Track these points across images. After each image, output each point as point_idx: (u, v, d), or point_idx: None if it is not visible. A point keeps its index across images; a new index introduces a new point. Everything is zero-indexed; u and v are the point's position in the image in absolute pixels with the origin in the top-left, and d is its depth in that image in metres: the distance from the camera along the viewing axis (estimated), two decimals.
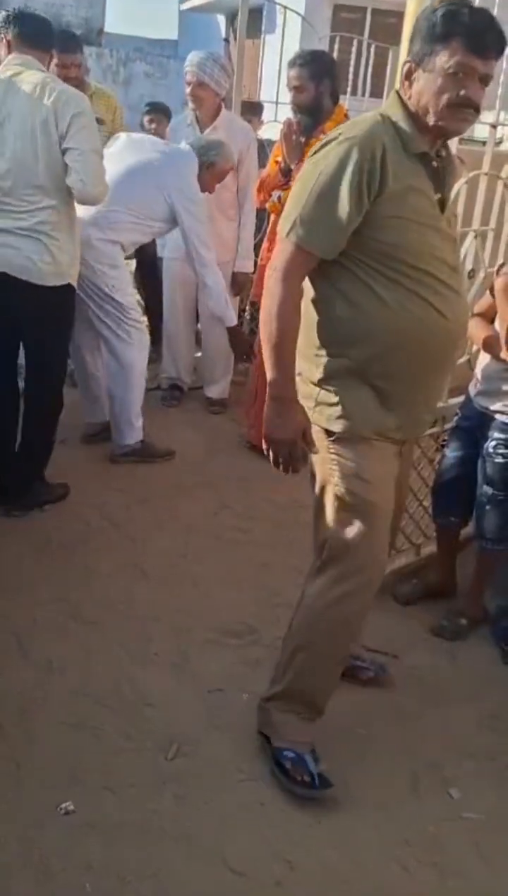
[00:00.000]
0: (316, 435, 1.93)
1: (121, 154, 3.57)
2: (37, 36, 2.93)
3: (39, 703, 2.25)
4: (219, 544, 3.16)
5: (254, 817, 1.96)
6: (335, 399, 1.88)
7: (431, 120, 1.75)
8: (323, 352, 1.88)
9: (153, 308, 4.94)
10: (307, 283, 1.87)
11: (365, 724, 2.29)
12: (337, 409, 1.88)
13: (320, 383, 1.90)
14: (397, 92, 1.82)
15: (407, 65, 1.77)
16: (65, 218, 2.97)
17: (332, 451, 1.92)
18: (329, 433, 1.91)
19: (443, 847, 1.94)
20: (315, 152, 1.81)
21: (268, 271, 1.85)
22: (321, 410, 1.90)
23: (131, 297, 3.64)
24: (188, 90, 3.93)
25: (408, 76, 1.77)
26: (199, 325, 4.56)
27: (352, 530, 1.93)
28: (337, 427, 1.89)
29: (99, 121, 4.19)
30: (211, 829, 1.92)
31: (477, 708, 2.41)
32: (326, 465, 1.94)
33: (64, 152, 2.85)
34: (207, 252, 3.64)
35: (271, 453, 1.92)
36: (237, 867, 1.84)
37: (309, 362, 1.91)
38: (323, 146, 1.79)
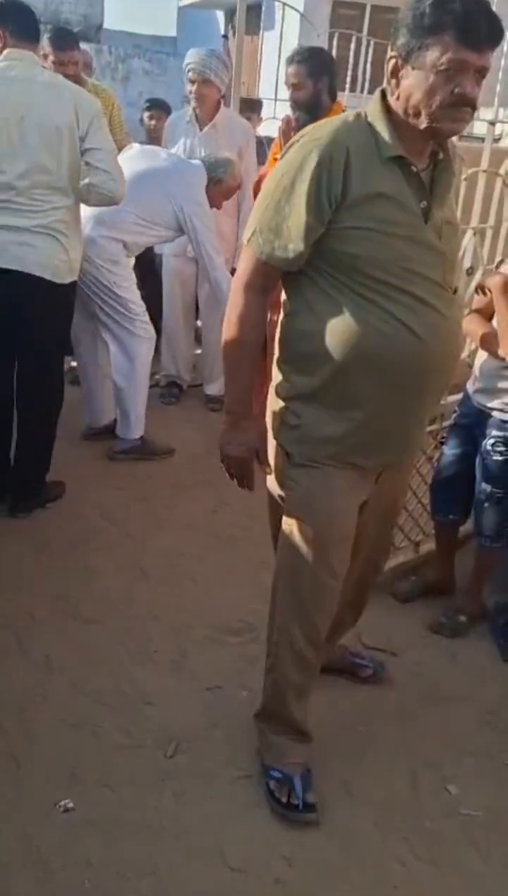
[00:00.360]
0: (278, 452, 1.86)
1: (134, 160, 3.60)
2: (28, 29, 2.91)
3: (39, 701, 2.26)
4: (218, 543, 3.16)
5: (253, 815, 1.97)
6: (296, 421, 1.78)
7: (423, 122, 1.58)
8: (291, 367, 1.79)
9: (152, 305, 4.93)
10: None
11: (364, 721, 2.29)
12: (296, 432, 1.79)
13: (286, 400, 1.80)
14: (382, 90, 1.66)
15: (393, 60, 1.59)
16: (75, 217, 3.03)
17: (289, 474, 1.84)
18: (288, 454, 1.83)
19: (442, 844, 1.95)
20: (283, 155, 1.69)
21: (231, 283, 1.79)
22: (283, 430, 1.82)
23: (134, 294, 3.65)
24: (193, 88, 3.92)
25: (395, 73, 1.59)
26: (199, 322, 4.56)
27: (299, 558, 1.87)
28: (295, 450, 1.81)
29: None
30: (210, 826, 1.93)
31: (476, 705, 2.42)
32: (283, 485, 1.87)
33: (83, 153, 2.86)
34: (218, 258, 3.69)
35: (225, 468, 1.89)
36: (236, 864, 1.84)
37: (279, 376, 1.82)
38: (288, 148, 1.67)
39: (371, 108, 1.64)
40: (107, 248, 3.48)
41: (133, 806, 1.96)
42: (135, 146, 3.83)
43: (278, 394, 1.83)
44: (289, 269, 1.69)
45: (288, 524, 1.88)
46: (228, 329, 1.77)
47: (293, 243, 1.64)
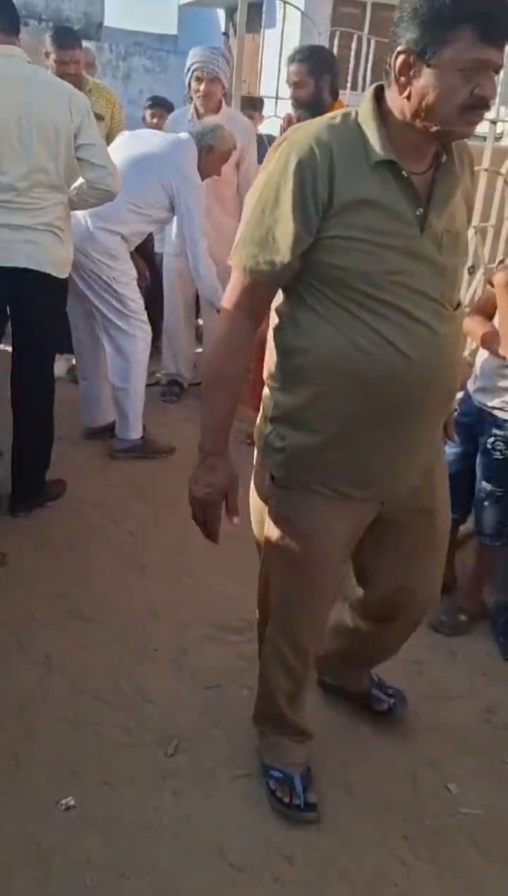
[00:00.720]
0: (261, 471, 1.79)
1: (124, 147, 3.58)
2: (11, 24, 2.88)
3: (39, 699, 2.26)
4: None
5: (253, 813, 1.97)
6: (280, 443, 1.67)
7: (436, 124, 1.43)
8: (276, 385, 1.68)
9: (152, 304, 4.93)
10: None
11: (364, 719, 2.29)
12: (281, 455, 1.68)
13: (271, 421, 1.70)
14: (376, 88, 1.52)
15: (402, 56, 1.41)
16: (68, 212, 3.03)
17: (271, 493, 1.76)
18: (272, 477, 1.74)
19: (442, 842, 1.95)
20: (266, 163, 1.60)
21: (222, 304, 1.66)
22: (267, 451, 1.72)
23: (133, 291, 3.63)
24: (200, 86, 3.90)
25: (404, 70, 1.42)
26: (200, 321, 4.55)
27: (278, 581, 1.83)
28: (279, 473, 1.71)
29: (98, 116, 4.19)
30: (210, 824, 1.93)
31: (477, 704, 2.42)
32: (266, 502, 1.80)
33: (77, 149, 2.86)
34: (201, 239, 3.62)
35: (191, 511, 1.73)
36: (236, 862, 1.84)
37: (266, 392, 1.73)
38: (270, 155, 1.57)
39: (362, 108, 1.51)
40: (105, 242, 3.46)
41: (133, 804, 1.96)
42: (126, 133, 3.79)
43: (264, 411, 1.73)
44: (277, 284, 1.58)
45: (271, 537, 1.80)
46: (210, 356, 1.67)
47: (279, 255, 1.51)
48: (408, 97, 1.44)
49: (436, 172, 1.54)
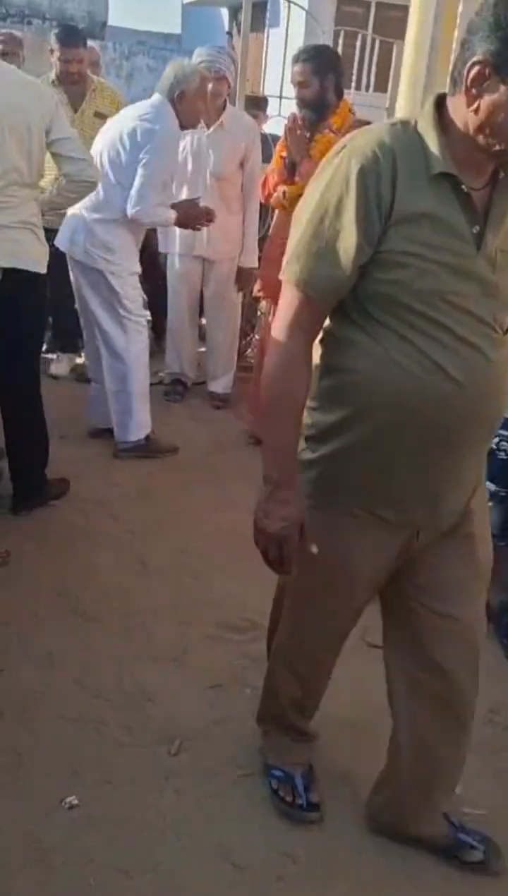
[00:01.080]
0: None
1: (106, 131, 3.54)
2: None
3: (40, 697, 2.26)
4: (220, 540, 3.16)
5: (256, 812, 1.97)
6: (310, 455, 1.60)
7: (500, 143, 1.36)
8: (315, 404, 1.59)
9: (156, 303, 4.94)
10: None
11: (367, 718, 2.29)
12: (312, 472, 1.61)
13: (305, 440, 1.62)
14: (438, 97, 1.45)
15: (478, 67, 1.32)
16: (39, 209, 2.99)
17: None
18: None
19: None
20: (320, 171, 1.49)
21: (273, 323, 1.56)
22: (300, 471, 1.62)
23: (133, 289, 3.58)
24: (209, 86, 3.90)
25: (477, 82, 1.33)
26: (203, 320, 4.56)
27: (298, 596, 1.79)
28: (309, 490, 1.62)
29: (102, 115, 4.19)
30: (213, 823, 1.93)
31: (480, 703, 2.38)
32: None
33: (50, 144, 2.83)
34: (150, 191, 3.37)
35: (260, 547, 1.61)
36: (239, 861, 1.84)
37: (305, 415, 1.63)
38: (326, 164, 1.47)
39: (423, 117, 1.44)
40: (102, 235, 3.43)
41: (135, 803, 1.96)
42: (109, 121, 3.72)
43: (301, 434, 1.64)
44: (335, 300, 1.49)
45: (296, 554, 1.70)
46: (268, 379, 1.54)
47: (340, 268, 1.43)
48: (476, 110, 1.35)
49: (494, 189, 1.46)
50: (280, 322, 1.52)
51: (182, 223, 3.65)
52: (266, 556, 1.61)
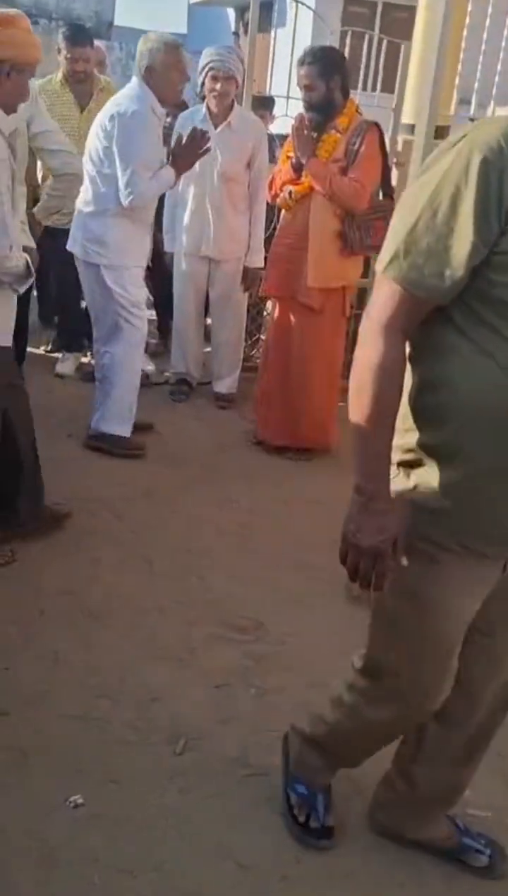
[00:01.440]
0: None
1: (93, 125, 3.49)
2: None
3: (45, 696, 2.26)
4: (224, 539, 3.16)
5: (260, 812, 1.97)
6: (407, 483, 1.46)
7: None
8: (408, 423, 1.46)
9: (162, 303, 4.94)
10: None
11: None
12: (408, 497, 1.47)
13: (399, 466, 1.48)
14: None
15: None
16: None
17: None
18: None
19: None
20: (433, 160, 1.35)
21: (364, 321, 1.43)
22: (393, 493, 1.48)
23: (130, 285, 3.53)
24: (216, 85, 3.89)
25: None
26: (208, 320, 4.56)
27: (395, 653, 1.61)
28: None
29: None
30: (217, 823, 1.93)
31: None
32: None
33: (32, 138, 2.80)
34: (137, 178, 3.29)
35: (349, 562, 1.47)
36: (243, 861, 1.84)
37: (399, 429, 1.48)
38: (439, 153, 1.35)
39: None
40: (94, 229, 3.42)
41: (139, 802, 1.96)
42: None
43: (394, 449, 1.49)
44: (442, 302, 1.35)
45: (383, 616, 1.61)
46: (360, 381, 1.40)
47: (451, 268, 1.30)
48: None
49: None
50: (375, 321, 1.38)
51: (184, 166, 3.49)
52: (354, 572, 1.47)
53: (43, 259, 3.08)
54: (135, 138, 3.32)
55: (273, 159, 4.18)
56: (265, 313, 4.73)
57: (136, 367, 3.69)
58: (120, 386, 3.64)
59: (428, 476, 1.44)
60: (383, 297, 1.37)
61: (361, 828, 1.95)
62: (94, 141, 3.38)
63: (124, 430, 3.68)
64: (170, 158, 3.46)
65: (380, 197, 3.68)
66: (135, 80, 3.42)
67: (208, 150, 3.54)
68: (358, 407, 1.41)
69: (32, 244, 2.97)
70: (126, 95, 3.41)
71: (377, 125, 3.58)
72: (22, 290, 2.69)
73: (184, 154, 3.46)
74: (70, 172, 2.91)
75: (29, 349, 3.97)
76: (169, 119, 5.03)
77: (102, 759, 2.07)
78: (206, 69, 3.92)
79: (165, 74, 3.36)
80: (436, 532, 1.46)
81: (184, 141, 3.47)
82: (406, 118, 4.41)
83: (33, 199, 3.73)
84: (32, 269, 2.69)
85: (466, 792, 2.02)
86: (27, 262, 2.64)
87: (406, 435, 1.46)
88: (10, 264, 2.53)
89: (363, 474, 1.44)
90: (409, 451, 1.47)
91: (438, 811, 1.88)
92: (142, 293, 3.70)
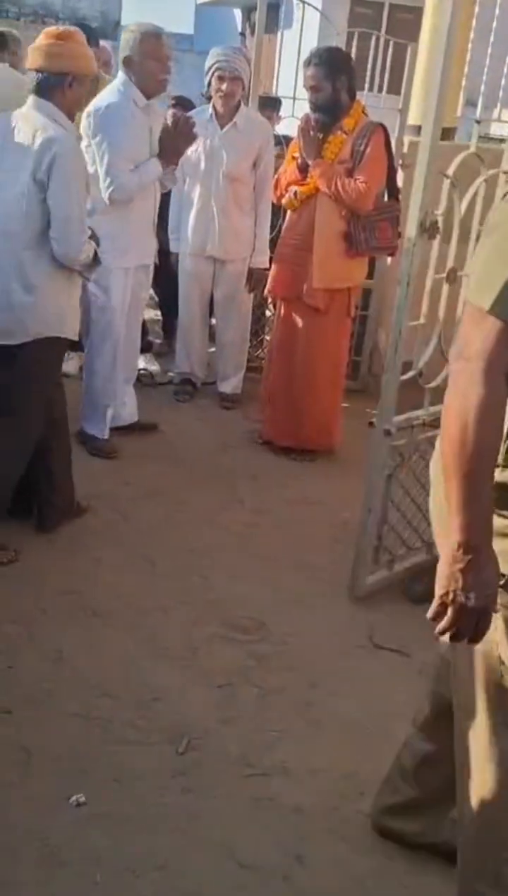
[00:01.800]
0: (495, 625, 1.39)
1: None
2: None
3: (48, 693, 2.26)
4: (228, 539, 3.16)
5: (262, 811, 1.97)
6: (505, 522, 1.34)
7: None
8: (502, 459, 1.35)
9: (166, 303, 4.94)
10: None
11: (373, 718, 2.29)
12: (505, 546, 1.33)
13: (496, 505, 1.35)
14: None
15: None
16: None
17: (501, 606, 1.35)
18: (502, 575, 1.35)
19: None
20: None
21: (454, 361, 1.32)
22: (498, 542, 1.35)
23: (112, 291, 3.48)
24: (222, 86, 3.89)
25: None
26: (213, 321, 4.56)
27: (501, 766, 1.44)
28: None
29: None
30: (219, 822, 1.93)
31: None
32: (490, 634, 1.37)
33: None
34: (117, 172, 3.31)
35: (449, 622, 1.34)
36: (245, 860, 1.84)
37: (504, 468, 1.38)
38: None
39: None
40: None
41: (142, 801, 1.96)
42: None
43: (499, 490, 1.36)
44: None
45: (497, 718, 1.43)
46: (458, 428, 1.27)
47: None
48: None
49: None
50: (469, 359, 1.26)
51: (172, 156, 3.48)
52: (455, 630, 1.34)
53: None
54: (110, 131, 3.31)
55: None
56: (270, 314, 4.73)
57: (106, 372, 3.63)
58: (92, 388, 3.65)
59: None
60: (478, 334, 1.26)
61: (364, 829, 1.95)
62: (83, 140, 3.39)
63: (98, 432, 3.69)
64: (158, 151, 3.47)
65: (386, 198, 3.68)
66: (120, 73, 3.43)
67: (195, 136, 3.54)
68: (460, 458, 1.28)
69: None
70: (107, 89, 3.43)
71: (383, 126, 3.58)
72: (92, 278, 2.97)
73: (170, 144, 3.47)
74: None
75: None
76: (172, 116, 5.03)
77: (105, 759, 2.07)
78: (212, 69, 3.92)
79: (143, 64, 3.34)
80: None
81: (170, 133, 3.48)
82: (412, 119, 4.40)
83: None
84: (100, 257, 2.88)
85: None
86: (95, 251, 2.83)
87: (504, 473, 1.35)
88: (82, 256, 2.77)
89: (469, 530, 1.30)
90: (503, 488, 1.35)
91: (442, 813, 1.86)
92: (121, 297, 3.58)
